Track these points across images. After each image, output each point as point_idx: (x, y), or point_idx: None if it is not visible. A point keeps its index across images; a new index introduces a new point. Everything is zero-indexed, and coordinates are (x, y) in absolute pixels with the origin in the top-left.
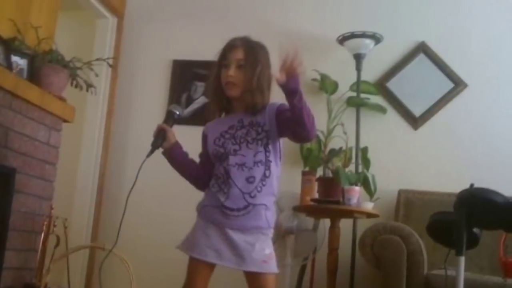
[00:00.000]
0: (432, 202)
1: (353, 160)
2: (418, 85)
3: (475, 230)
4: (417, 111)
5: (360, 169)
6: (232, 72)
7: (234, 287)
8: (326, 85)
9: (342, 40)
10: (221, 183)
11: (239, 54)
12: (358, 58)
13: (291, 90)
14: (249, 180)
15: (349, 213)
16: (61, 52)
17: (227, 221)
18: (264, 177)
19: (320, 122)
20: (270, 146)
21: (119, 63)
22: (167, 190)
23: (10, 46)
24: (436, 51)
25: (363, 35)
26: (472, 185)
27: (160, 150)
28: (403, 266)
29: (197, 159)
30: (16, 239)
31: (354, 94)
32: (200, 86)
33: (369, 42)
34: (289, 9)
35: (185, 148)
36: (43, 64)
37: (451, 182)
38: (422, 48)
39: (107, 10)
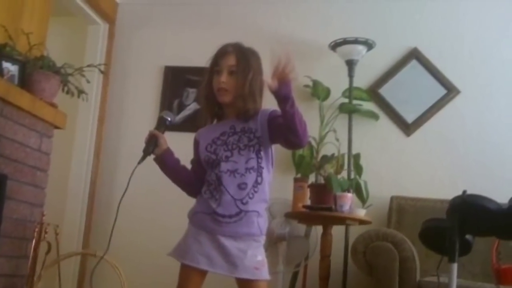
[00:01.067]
0: (425, 208)
1: (346, 166)
2: (411, 91)
3: (468, 236)
4: (410, 117)
5: (352, 176)
6: (224, 78)
7: None
8: (318, 92)
9: (335, 46)
10: (213, 189)
11: (231, 60)
12: (351, 64)
13: (283, 96)
14: (241, 186)
15: (341, 220)
16: (53, 58)
17: (219, 228)
18: (256, 183)
19: (312, 129)
20: (262, 153)
21: (111, 69)
22: (159, 196)
23: (1, 52)
24: (428, 57)
25: (355, 41)
26: (464, 191)
27: (152, 156)
28: (396, 273)
29: (188, 166)
30: (7, 246)
31: (346, 100)
32: (192, 92)
33: (361, 48)
34: (281, 15)
35: (176, 155)
36: (34, 70)
37: (444, 189)
38: (414, 54)
39: (98, 16)
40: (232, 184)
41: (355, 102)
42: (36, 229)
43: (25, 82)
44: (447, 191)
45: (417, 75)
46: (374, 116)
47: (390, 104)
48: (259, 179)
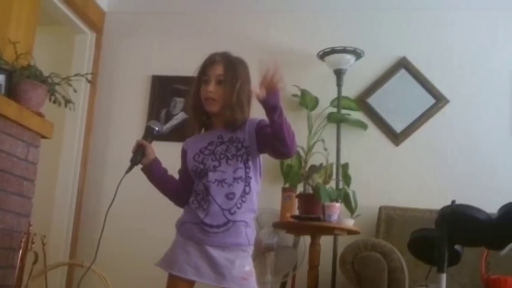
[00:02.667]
0: (414, 218)
1: (334, 176)
2: (399, 101)
3: (457, 247)
4: (398, 127)
5: (340, 186)
6: (211, 87)
7: None
8: (307, 101)
9: (323, 55)
10: (201, 199)
11: (218, 70)
12: (339, 73)
13: (271, 106)
14: (229, 196)
15: (330, 230)
16: (40, 67)
17: (207, 238)
18: (244, 193)
19: (301, 138)
20: (250, 162)
21: (98, 79)
22: (146, 206)
23: None
24: (417, 67)
25: (343, 50)
26: (453, 201)
27: (139, 166)
28: (384, 284)
29: (176, 175)
30: None
31: (334, 110)
32: (179, 101)
33: (349, 57)
34: (269, 25)
35: (164, 164)
36: (21, 80)
37: (433, 199)
38: (403, 64)
39: (85, 25)
40: (220, 194)
41: (343, 111)
42: (23, 239)
43: (11, 91)
44: (436, 201)
45: (405, 84)
46: (363, 126)
47: (379, 113)
48: (247, 189)
